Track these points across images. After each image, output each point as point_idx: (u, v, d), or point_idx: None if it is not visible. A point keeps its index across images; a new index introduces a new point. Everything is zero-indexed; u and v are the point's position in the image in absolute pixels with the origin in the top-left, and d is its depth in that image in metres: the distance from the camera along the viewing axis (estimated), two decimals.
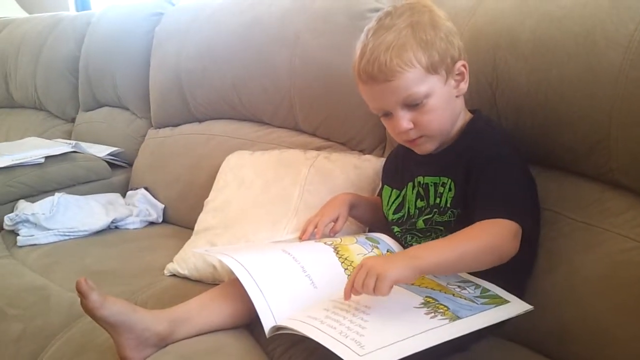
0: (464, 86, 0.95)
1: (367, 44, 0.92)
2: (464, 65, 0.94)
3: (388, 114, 0.94)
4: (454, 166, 0.95)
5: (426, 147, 0.96)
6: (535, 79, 0.95)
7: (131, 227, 1.63)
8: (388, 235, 1.05)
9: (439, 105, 0.92)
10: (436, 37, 0.90)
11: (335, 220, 1.07)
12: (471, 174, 0.91)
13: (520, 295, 0.84)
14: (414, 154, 1.00)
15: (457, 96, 0.95)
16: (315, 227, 1.05)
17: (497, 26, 1.02)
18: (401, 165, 1.08)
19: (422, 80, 0.90)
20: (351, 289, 0.78)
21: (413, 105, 0.91)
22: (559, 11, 0.94)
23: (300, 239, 1.06)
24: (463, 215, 0.92)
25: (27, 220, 1.54)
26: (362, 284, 0.76)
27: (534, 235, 0.95)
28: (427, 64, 0.89)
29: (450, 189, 0.95)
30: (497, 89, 1.01)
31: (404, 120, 0.92)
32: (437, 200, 0.96)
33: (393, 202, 1.06)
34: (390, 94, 0.91)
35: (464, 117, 0.98)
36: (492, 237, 0.83)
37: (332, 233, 1.07)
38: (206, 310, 0.96)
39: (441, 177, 0.97)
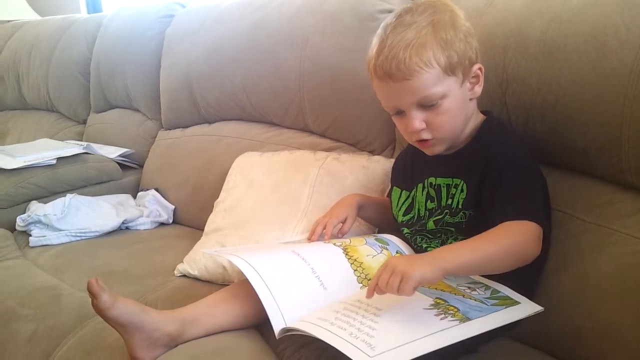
0: (478, 89, 0.94)
1: (385, 40, 0.90)
2: (480, 69, 0.93)
3: (401, 113, 0.93)
4: (467, 168, 0.94)
5: (436, 149, 0.96)
6: (546, 79, 0.95)
7: (142, 227, 1.64)
8: (397, 236, 1.05)
9: (453, 107, 0.91)
10: (456, 38, 0.89)
11: (344, 221, 1.07)
12: (488, 177, 0.90)
13: (530, 297, 0.84)
14: (424, 155, 1.00)
15: (470, 99, 0.95)
16: (324, 228, 1.05)
17: (507, 26, 1.01)
18: (410, 166, 1.08)
19: (440, 81, 0.89)
20: (375, 288, 0.77)
21: (428, 105, 0.90)
22: (569, 11, 0.93)
23: (309, 240, 1.07)
24: (474, 216, 0.92)
25: (39, 221, 1.56)
26: (386, 283, 0.75)
27: (546, 236, 0.94)
28: (446, 65, 0.88)
29: (462, 190, 0.94)
30: (508, 89, 1.01)
31: (417, 120, 0.91)
32: (449, 202, 0.96)
33: (403, 204, 1.06)
34: (407, 93, 0.90)
35: (476, 118, 0.98)
36: (517, 238, 0.83)
37: (341, 234, 1.07)
38: (216, 310, 0.96)
39: (454, 179, 0.96)
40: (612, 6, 0.88)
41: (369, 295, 0.79)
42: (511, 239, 0.83)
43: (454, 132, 0.95)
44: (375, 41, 0.93)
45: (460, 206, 0.94)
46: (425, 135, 0.93)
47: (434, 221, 0.97)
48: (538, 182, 0.92)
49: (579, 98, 0.91)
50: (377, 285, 0.77)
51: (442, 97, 0.89)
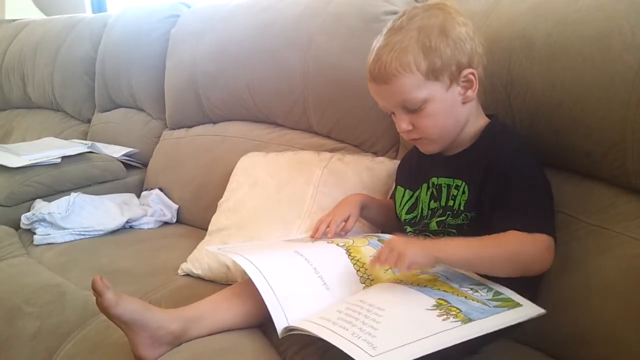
0: (471, 94, 0.94)
1: (377, 43, 0.94)
2: (472, 74, 0.92)
3: (393, 113, 0.96)
4: (470, 169, 0.95)
5: (429, 148, 0.98)
6: (550, 82, 0.95)
7: (146, 227, 1.64)
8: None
9: (439, 111, 0.92)
10: (441, 43, 0.89)
11: (346, 220, 1.07)
12: (492, 182, 0.90)
13: (533, 299, 0.84)
14: (429, 156, 1.01)
15: (463, 103, 0.94)
16: (328, 226, 1.06)
17: (512, 29, 1.02)
18: (415, 167, 1.08)
19: (420, 86, 0.90)
20: (376, 261, 0.85)
21: (412, 109, 0.92)
22: (575, 14, 0.93)
23: (312, 237, 1.07)
24: (476, 218, 0.92)
25: (44, 220, 1.56)
26: (385, 258, 0.83)
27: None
28: (427, 70, 0.89)
29: (464, 192, 0.95)
30: (512, 92, 1.01)
31: (404, 122, 0.94)
32: (450, 203, 0.96)
33: (406, 203, 1.06)
34: (389, 96, 0.93)
35: (477, 121, 0.98)
36: (525, 249, 0.85)
37: (343, 232, 1.07)
38: (219, 309, 0.97)
39: (455, 180, 0.97)
40: (617, 10, 0.88)
41: (372, 265, 0.89)
42: (518, 249, 0.84)
43: (443, 135, 0.96)
44: (373, 43, 0.95)
45: (462, 208, 0.94)
46: (415, 135, 0.96)
47: (436, 222, 0.98)
48: (544, 188, 0.92)
49: (583, 101, 0.91)
50: (379, 259, 0.85)
51: (424, 102, 0.91)
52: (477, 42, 0.94)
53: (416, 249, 0.82)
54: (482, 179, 0.92)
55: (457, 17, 0.93)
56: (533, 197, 0.89)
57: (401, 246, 0.83)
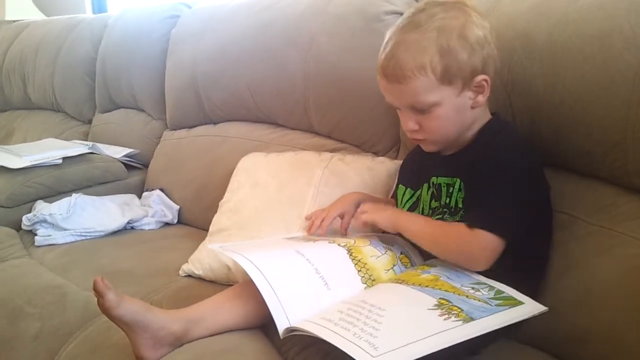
0: (482, 99, 0.93)
1: (391, 37, 0.92)
2: (485, 80, 0.91)
3: (399, 109, 0.96)
4: (465, 167, 0.95)
5: (429, 148, 0.99)
6: (551, 81, 0.95)
7: (147, 227, 1.65)
8: (402, 237, 1.05)
9: (447, 115, 0.92)
10: (459, 47, 0.88)
11: (342, 217, 1.08)
12: (478, 175, 0.91)
13: (532, 297, 0.84)
14: (431, 155, 1.01)
15: (472, 107, 0.94)
16: (322, 221, 1.07)
17: (513, 28, 1.01)
18: (417, 166, 1.08)
19: (433, 89, 0.89)
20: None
21: (420, 109, 0.92)
22: (575, 13, 0.93)
23: (308, 232, 1.09)
24: None
25: (45, 221, 1.57)
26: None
27: (546, 238, 0.95)
28: (442, 74, 0.88)
29: (460, 189, 0.95)
30: (513, 91, 1.01)
31: (411, 121, 0.94)
32: (447, 200, 0.97)
33: (407, 202, 1.06)
34: (400, 95, 0.92)
35: (482, 121, 0.98)
36: (461, 248, 0.88)
37: (343, 230, 1.08)
38: (221, 310, 0.97)
39: (453, 178, 0.97)
40: (618, 9, 0.88)
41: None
42: (454, 241, 0.89)
43: (447, 137, 0.96)
44: (387, 34, 0.94)
45: (459, 205, 0.94)
46: (419, 136, 0.96)
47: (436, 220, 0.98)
48: (520, 190, 0.89)
49: (584, 100, 0.91)
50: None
51: (434, 105, 0.90)
52: (492, 45, 0.92)
53: (381, 214, 1.00)
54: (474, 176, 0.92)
55: (477, 19, 0.91)
56: (497, 195, 0.88)
57: (369, 207, 1.02)
